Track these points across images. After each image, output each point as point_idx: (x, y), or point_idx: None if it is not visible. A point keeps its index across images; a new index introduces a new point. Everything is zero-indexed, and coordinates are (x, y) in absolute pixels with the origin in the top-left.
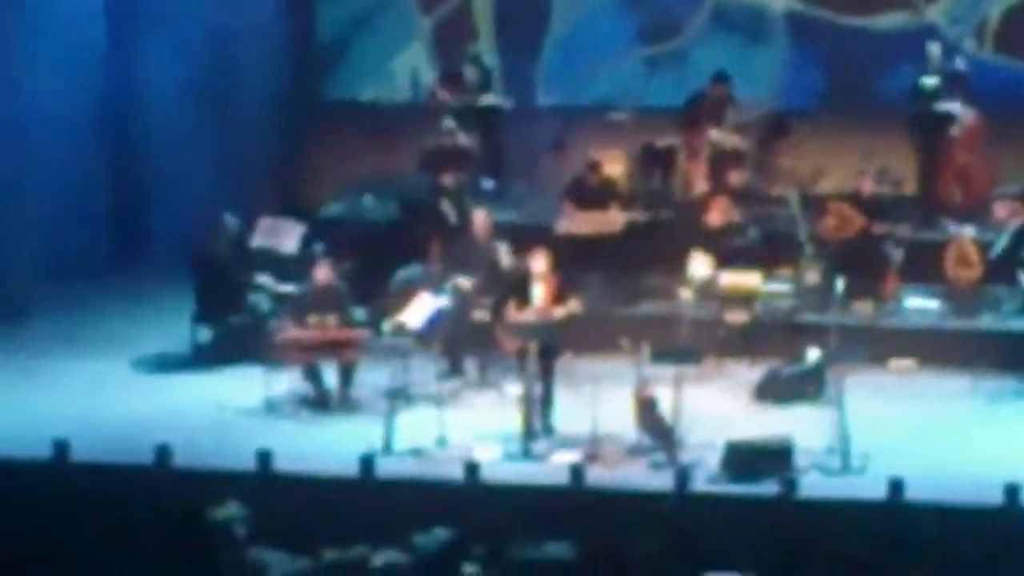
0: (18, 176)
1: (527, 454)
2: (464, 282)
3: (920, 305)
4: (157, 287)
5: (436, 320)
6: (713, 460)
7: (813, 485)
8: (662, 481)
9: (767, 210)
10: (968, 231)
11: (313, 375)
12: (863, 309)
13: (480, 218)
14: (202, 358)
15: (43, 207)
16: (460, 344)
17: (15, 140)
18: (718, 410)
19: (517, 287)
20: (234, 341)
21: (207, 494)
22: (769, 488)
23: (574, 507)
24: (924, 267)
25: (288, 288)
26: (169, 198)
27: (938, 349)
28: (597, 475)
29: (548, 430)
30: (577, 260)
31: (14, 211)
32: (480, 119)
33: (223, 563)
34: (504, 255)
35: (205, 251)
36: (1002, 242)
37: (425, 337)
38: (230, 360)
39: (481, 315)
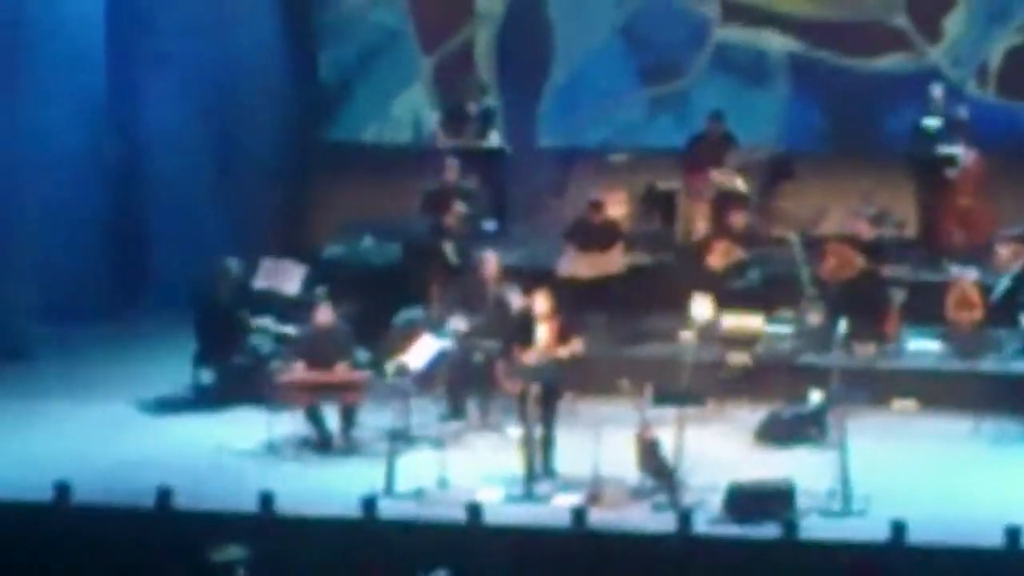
0: (19, 216)
1: (529, 496)
2: (460, 323)
3: (921, 347)
4: (158, 328)
5: (438, 362)
6: (715, 502)
7: (815, 527)
8: (664, 523)
9: (769, 252)
10: (970, 273)
11: (315, 417)
12: (865, 351)
13: (490, 261)
14: (204, 400)
15: (44, 248)
16: (462, 386)
17: (15, 180)
18: (720, 452)
19: (520, 329)
20: (236, 383)
21: (209, 536)
22: (771, 530)
23: (576, 549)
24: (926, 309)
25: (290, 330)
26: (170, 239)
27: (940, 391)
28: (599, 517)
29: (550, 472)
30: (579, 302)
31: (15, 252)
32: (482, 161)
33: None
34: (516, 298)
35: (206, 293)
36: (1003, 284)
37: (427, 379)
38: (232, 402)
39: (482, 357)
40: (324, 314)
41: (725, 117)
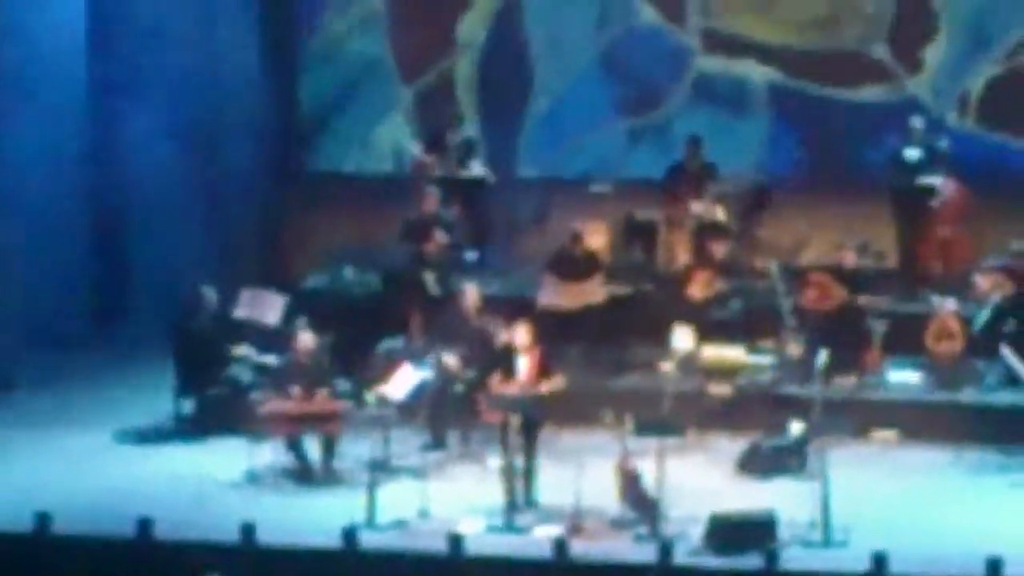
0: (1, 247)
1: (510, 527)
2: (450, 359)
3: (902, 378)
4: (139, 358)
5: (419, 392)
6: (696, 533)
7: (796, 558)
8: (645, 554)
9: (749, 282)
10: (950, 304)
11: (295, 447)
12: (845, 381)
13: (471, 293)
14: (184, 430)
15: (25, 277)
16: (443, 416)
17: None
18: (701, 483)
19: (501, 360)
20: (216, 413)
21: (190, 567)
22: (752, 561)
23: None
24: (906, 340)
25: (270, 360)
26: (151, 268)
27: (920, 422)
28: (580, 548)
29: (531, 503)
30: (559, 332)
31: None
32: (463, 190)
33: None
34: (500, 331)
35: (185, 323)
36: (984, 315)
37: (408, 409)
38: (212, 432)
39: (463, 387)
40: (306, 343)
41: (703, 143)
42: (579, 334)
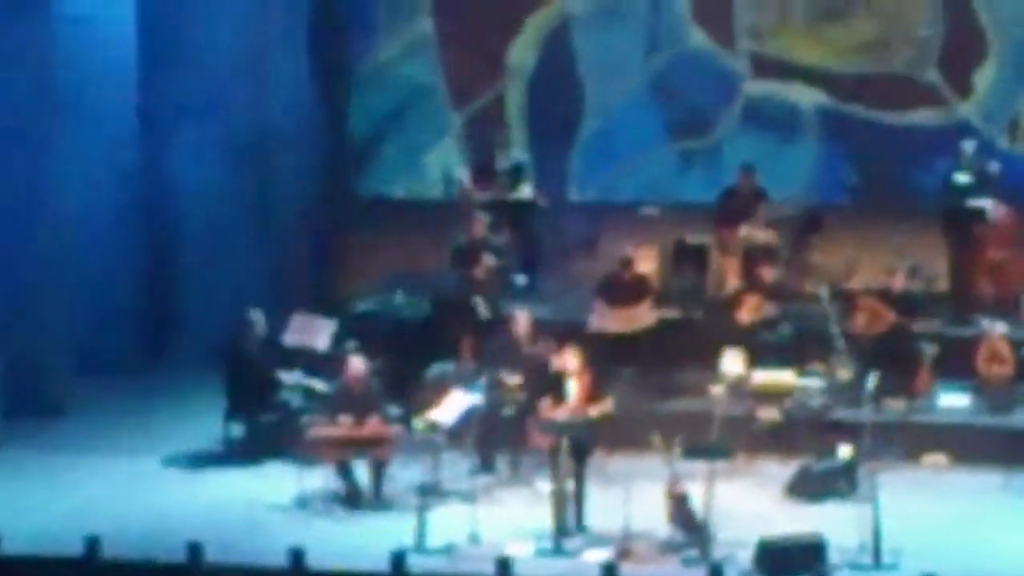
0: (54, 272)
1: (559, 551)
2: (509, 379)
3: (952, 402)
4: (190, 383)
5: (468, 417)
6: (745, 557)
7: None
8: None
9: (799, 306)
10: (1000, 327)
11: (345, 472)
12: (895, 405)
13: (522, 319)
14: (234, 455)
15: (78, 303)
16: (492, 440)
17: (50, 237)
18: (750, 507)
19: (552, 384)
20: (266, 438)
21: None
22: None
23: None
24: (956, 363)
25: (320, 385)
26: (202, 294)
27: (970, 446)
28: (630, 572)
29: (580, 527)
30: (609, 357)
31: (50, 307)
32: (512, 214)
33: None
34: (553, 356)
35: (235, 348)
36: None
37: (457, 434)
38: (262, 457)
39: (512, 411)
40: (356, 368)
41: (756, 170)
42: (629, 358)
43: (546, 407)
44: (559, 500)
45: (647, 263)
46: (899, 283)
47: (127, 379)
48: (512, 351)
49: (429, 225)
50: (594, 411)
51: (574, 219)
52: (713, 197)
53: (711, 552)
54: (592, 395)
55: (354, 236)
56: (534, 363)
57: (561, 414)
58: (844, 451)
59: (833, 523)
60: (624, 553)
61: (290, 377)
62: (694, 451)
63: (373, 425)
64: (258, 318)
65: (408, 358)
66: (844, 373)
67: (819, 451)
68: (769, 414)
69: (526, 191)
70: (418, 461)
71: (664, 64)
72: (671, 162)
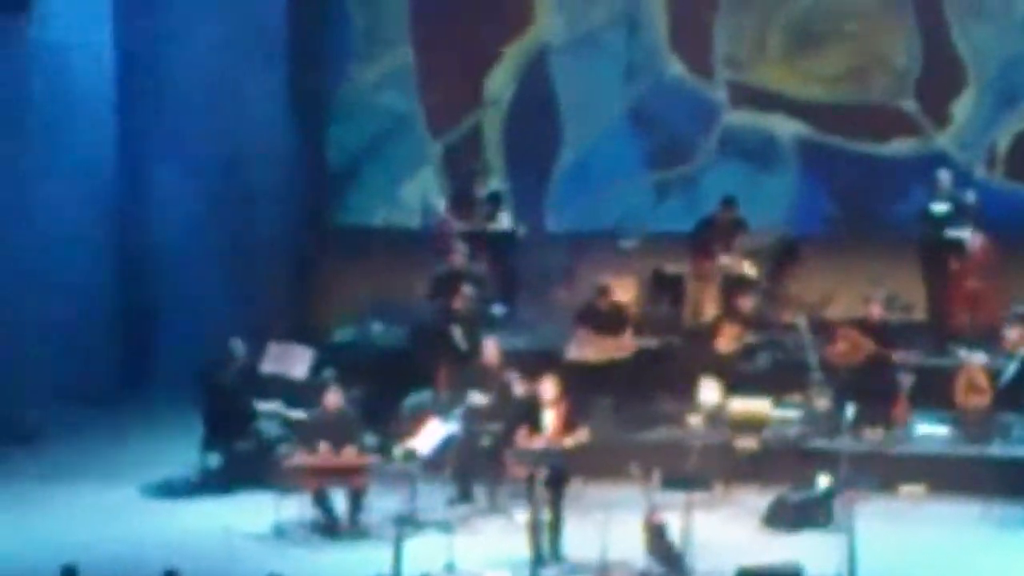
0: (30, 300)
1: None
2: (478, 398)
3: (930, 431)
4: (167, 411)
5: (446, 447)
6: None
7: None
8: None
9: (777, 336)
10: (978, 357)
11: (322, 501)
12: (873, 435)
13: (490, 347)
14: (211, 484)
15: (54, 331)
16: (469, 470)
17: (26, 264)
18: (728, 536)
19: (528, 414)
20: (243, 467)
21: None
22: None
23: None
24: (934, 393)
25: (298, 414)
26: (179, 322)
27: (948, 476)
28: None
29: (557, 556)
30: (587, 386)
31: (27, 335)
32: (490, 244)
33: None
34: (517, 384)
35: (213, 377)
36: (1012, 369)
37: (435, 463)
38: (239, 486)
39: (489, 441)
40: (334, 397)
41: (737, 203)
42: (607, 387)
43: (522, 437)
44: (536, 530)
45: (625, 292)
46: (876, 313)
47: (104, 408)
48: (483, 378)
49: (407, 254)
50: (569, 441)
51: (552, 249)
52: (690, 227)
53: None
54: (568, 425)
55: (331, 265)
56: (502, 390)
57: (537, 444)
58: (822, 481)
59: (810, 553)
60: None
61: (267, 406)
62: (672, 481)
63: (350, 454)
64: (237, 347)
65: (385, 387)
66: (822, 403)
67: (796, 481)
68: (747, 443)
69: (504, 221)
70: (395, 490)
71: (642, 94)
72: (648, 191)
